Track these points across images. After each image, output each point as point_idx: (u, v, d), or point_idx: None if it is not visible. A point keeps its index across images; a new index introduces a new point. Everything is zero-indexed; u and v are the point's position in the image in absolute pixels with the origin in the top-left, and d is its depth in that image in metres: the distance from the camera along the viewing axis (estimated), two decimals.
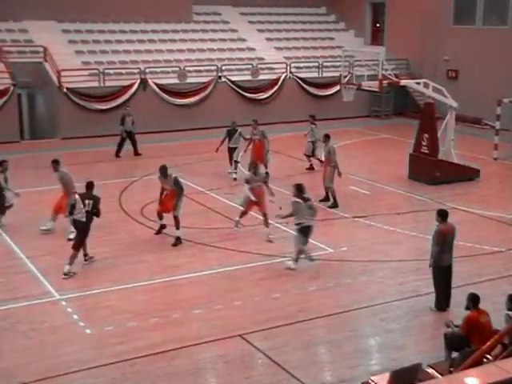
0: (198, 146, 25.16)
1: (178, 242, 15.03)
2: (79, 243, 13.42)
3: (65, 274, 13.14)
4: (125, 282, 13.06)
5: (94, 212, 13.38)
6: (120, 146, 23.42)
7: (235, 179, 20.08)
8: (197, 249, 14.89)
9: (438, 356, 9.82)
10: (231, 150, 20.66)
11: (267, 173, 20.00)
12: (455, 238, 12.04)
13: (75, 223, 13.65)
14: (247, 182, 15.86)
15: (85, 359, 10.26)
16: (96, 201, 13.41)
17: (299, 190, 13.72)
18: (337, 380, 9.83)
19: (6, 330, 11.19)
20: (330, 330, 11.34)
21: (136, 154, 23.50)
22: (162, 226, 15.60)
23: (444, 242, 11.70)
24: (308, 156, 21.57)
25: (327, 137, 18.20)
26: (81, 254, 13.62)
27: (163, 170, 15.43)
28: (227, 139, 20.67)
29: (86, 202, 13.29)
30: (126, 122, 23.34)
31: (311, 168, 21.46)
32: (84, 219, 13.26)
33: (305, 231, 13.58)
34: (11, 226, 16.21)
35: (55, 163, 15.62)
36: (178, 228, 15.05)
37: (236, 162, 20.64)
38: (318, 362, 10.51)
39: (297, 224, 13.61)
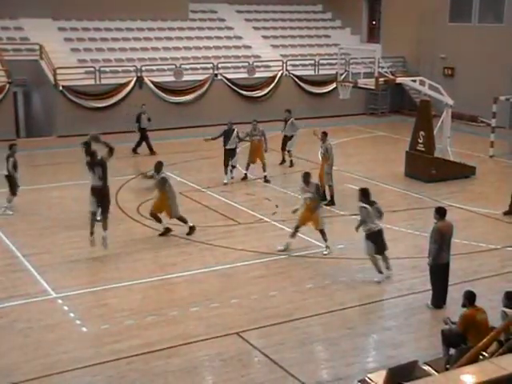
0: (194, 143, 25.12)
1: (191, 231, 15.48)
2: None
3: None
4: (121, 280, 13.06)
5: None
6: (139, 142, 23.59)
7: (225, 184, 19.60)
8: (193, 247, 14.88)
9: (434, 353, 9.84)
10: (228, 153, 19.76)
11: (266, 176, 20.01)
12: (453, 236, 12.06)
13: None
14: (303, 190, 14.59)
15: (81, 357, 10.26)
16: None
17: (365, 194, 13.13)
18: (333, 378, 9.84)
19: (2, 329, 11.18)
20: (326, 327, 11.35)
21: (152, 151, 23.55)
22: (167, 230, 15.46)
23: (442, 239, 11.71)
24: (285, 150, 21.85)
25: (325, 134, 18.08)
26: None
27: (157, 167, 15.46)
28: (223, 140, 19.82)
29: None
30: (141, 120, 23.38)
31: (283, 162, 21.93)
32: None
33: (373, 237, 12.91)
34: (8, 224, 16.19)
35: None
36: (186, 222, 15.48)
37: (233, 166, 19.94)
38: (315, 360, 10.52)
39: (366, 231, 13.03)
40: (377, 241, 12.95)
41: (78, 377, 9.82)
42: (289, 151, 21.68)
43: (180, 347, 10.58)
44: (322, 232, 14.44)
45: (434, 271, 11.94)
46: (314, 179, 15.25)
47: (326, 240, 14.43)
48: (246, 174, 20.22)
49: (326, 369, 10.19)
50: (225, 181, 19.70)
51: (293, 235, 14.48)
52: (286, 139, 21.66)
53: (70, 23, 29.54)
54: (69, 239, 15.21)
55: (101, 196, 14.16)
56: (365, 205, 12.97)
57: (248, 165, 20.24)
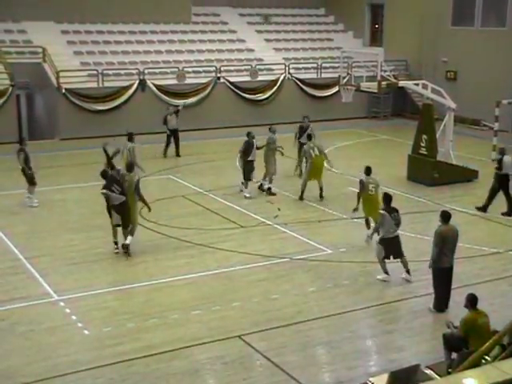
0: (197, 146, 25.16)
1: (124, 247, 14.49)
2: None
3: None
4: (123, 283, 13.06)
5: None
6: (166, 145, 23.60)
7: (247, 197, 18.52)
8: (195, 250, 14.87)
9: (436, 357, 9.81)
10: (248, 164, 18.47)
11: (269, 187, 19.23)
12: (457, 241, 12.02)
13: None
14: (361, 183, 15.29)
15: (83, 360, 10.25)
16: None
17: (388, 201, 13.19)
18: (335, 381, 9.83)
19: (4, 331, 11.17)
20: (328, 331, 11.34)
21: (177, 154, 23.62)
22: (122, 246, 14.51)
23: (443, 243, 11.69)
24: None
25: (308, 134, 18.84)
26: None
27: (129, 166, 15.02)
28: (243, 151, 18.44)
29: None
30: (168, 122, 23.41)
31: None
32: None
33: (387, 242, 12.98)
34: (10, 226, 16.19)
35: None
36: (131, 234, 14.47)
37: (249, 180, 18.70)
38: (317, 363, 10.50)
39: (380, 235, 13.13)
40: (389, 246, 12.99)
41: (79, 379, 9.81)
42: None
43: (181, 350, 10.57)
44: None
45: (436, 275, 11.92)
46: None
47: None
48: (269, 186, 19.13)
49: (328, 372, 10.17)
50: (246, 194, 18.62)
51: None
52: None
53: (73, 26, 29.56)
54: (71, 242, 15.22)
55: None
56: (383, 211, 13.04)
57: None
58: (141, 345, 10.68)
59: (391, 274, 13.53)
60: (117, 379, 9.78)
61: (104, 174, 14.43)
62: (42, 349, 10.60)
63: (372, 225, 15.09)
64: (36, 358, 10.33)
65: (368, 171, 15.48)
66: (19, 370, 9.98)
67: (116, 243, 14.43)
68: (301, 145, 19.98)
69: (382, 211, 13.10)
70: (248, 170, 18.48)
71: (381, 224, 13.08)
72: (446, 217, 11.90)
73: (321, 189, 18.43)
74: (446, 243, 11.72)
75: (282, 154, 19.42)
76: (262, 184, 19.24)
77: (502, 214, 17.39)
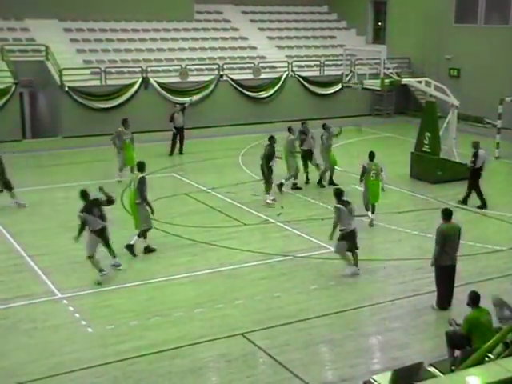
0: (200, 144, 25.16)
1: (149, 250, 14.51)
2: None
3: None
4: (126, 281, 13.07)
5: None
6: (173, 143, 23.60)
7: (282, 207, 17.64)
8: (198, 248, 14.88)
9: (440, 355, 9.81)
10: (270, 170, 17.90)
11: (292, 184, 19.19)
12: (460, 239, 12.00)
13: None
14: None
15: (86, 358, 10.27)
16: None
17: (338, 194, 13.48)
18: (338, 379, 9.83)
19: (7, 329, 11.20)
20: (331, 329, 11.34)
21: (181, 152, 23.67)
22: (148, 249, 14.55)
23: (445, 241, 11.67)
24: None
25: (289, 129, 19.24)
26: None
27: (140, 165, 14.69)
28: (266, 159, 17.84)
29: None
30: (175, 119, 23.43)
31: None
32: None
33: (348, 237, 13.21)
34: (13, 224, 16.22)
35: None
36: (139, 235, 14.41)
37: (281, 184, 18.56)
38: (320, 361, 10.50)
39: (341, 230, 13.27)
40: (350, 240, 13.25)
41: (82, 377, 9.83)
42: (317, 165, 19.89)
43: (185, 348, 10.58)
44: None
45: (438, 273, 11.91)
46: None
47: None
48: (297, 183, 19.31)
49: (331, 370, 10.18)
50: (269, 201, 17.81)
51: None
52: (309, 153, 19.71)
53: (76, 24, 29.59)
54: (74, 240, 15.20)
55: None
56: (339, 205, 13.23)
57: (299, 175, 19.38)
58: (144, 343, 10.70)
59: (395, 272, 13.55)
60: (120, 377, 9.80)
61: (84, 195, 13.37)
62: (46, 347, 10.62)
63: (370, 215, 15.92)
64: (39, 355, 10.36)
65: (371, 157, 16.38)
66: (23, 368, 10.01)
67: (101, 270, 13.17)
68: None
69: (337, 205, 13.30)
70: (270, 175, 17.86)
71: (338, 218, 13.24)
72: (447, 214, 11.88)
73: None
74: (447, 241, 11.70)
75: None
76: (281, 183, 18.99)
77: (478, 207, 17.64)
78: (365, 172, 16.23)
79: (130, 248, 14.26)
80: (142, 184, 14.20)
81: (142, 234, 14.42)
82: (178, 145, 23.71)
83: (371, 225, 16.07)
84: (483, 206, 17.63)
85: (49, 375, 9.81)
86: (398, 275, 13.48)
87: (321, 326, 11.43)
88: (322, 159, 19.67)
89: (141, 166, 14.59)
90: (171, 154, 23.56)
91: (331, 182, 19.40)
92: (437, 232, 11.80)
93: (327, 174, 19.66)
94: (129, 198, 14.91)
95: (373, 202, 16.42)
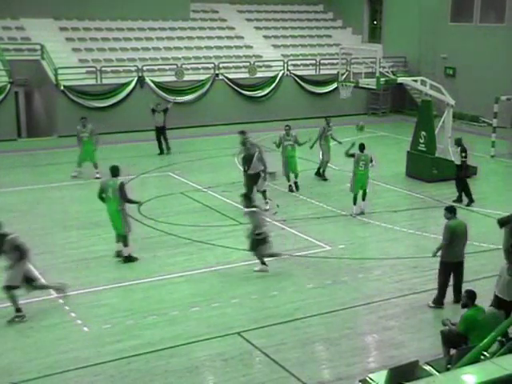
0: (196, 143, 25.16)
1: (128, 259, 13.92)
2: None
3: None
4: (122, 280, 13.06)
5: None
6: (159, 142, 23.50)
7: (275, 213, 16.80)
8: (194, 246, 14.87)
9: (436, 353, 9.84)
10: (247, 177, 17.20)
11: (291, 185, 18.98)
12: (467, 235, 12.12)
13: None
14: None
15: (82, 357, 10.25)
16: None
17: (248, 199, 13.58)
18: (335, 378, 9.84)
19: (3, 328, 11.17)
20: (327, 327, 11.34)
21: (167, 151, 23.54)
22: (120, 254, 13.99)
23: (452, 237, 11.75)
24: None
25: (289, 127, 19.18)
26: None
27: (114, 170, 13.91)
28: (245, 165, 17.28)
29: None
30: (155, 117, 23.37)
31: None
32: None
33: (266, 240, 13.31)
34: (8, 223, 16.15)
35: None
36: (125, 245, 13.95)
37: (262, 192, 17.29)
38: (316, 360, 10.50)
39: (258, 234, 13.21)
40: (266, 242, 13.29)
41: (79, 377, 9.81)
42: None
43: (181, 347, 10.57)
44: None
45: (443, 268, 11.99)
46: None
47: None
48: (291, 185, 18.98)
49: (327, 369, 10.18)
50: (266, 207, 16.87)
51: None
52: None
53: (72, 23, 29.54)
54: (69, 239, 15.23)
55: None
56: (254, 209, 13.24)
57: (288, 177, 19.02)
58: (140, 342, 10.69)
59: (391, 271, 13.57)
60: (116, 376, 9.79)
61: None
62: (42, 346, 10.61)
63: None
64: (36, 355, 10.34)
65: (361, 147, 16.86)
66: (19, 367, 9.99)
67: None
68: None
69: (252, 209, 13.25)
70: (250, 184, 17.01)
71: (255, 221, 13.23)
72: (452, 211, 12.02)
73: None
74: (455, 238, 11.79)
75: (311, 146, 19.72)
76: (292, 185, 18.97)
77: (467, 205, 17.80)
78: (353, 158, 16.89)
79: (128, 258, 13.92)
80: (122, 190, 13.65)
81: (124, 239, 13.89)
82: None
83: (361, 213, 16.79)
84: (471, 201, 17.87)
85: (45, 374, 9.79)
86: (394, 274, 13.49)
87: (317, 324, 11.44)
88: (322, 152, 20.05)
89: (115, 171, 13.85)
90: (161, 153, 23.46)
91: (318, 173, 20.18)
92: (445, 228, 11.87)
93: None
94: (108, 206, 13.89)
95: (361, 189, 16.98)
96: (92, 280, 13.07)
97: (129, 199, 13.93)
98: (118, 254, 14.07)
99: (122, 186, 13.73)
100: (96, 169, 20.00)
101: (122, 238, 13.95)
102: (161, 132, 23.46)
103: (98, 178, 18.93)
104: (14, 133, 25.70)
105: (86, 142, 20.20)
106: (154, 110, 23.34)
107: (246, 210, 13.45)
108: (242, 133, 17.70)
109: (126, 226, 13.90)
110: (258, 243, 13.32)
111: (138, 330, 11.12)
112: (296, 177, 19.11)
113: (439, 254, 12.01)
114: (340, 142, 19.83)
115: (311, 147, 19.63)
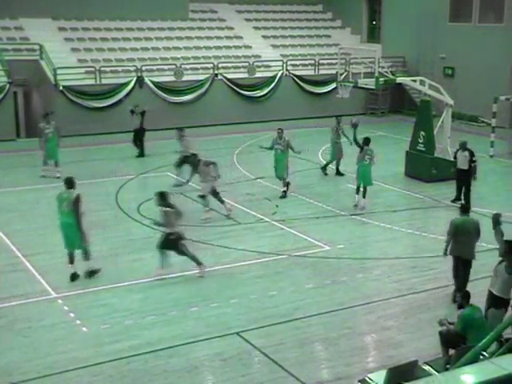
0: (194, 143, 25.09)
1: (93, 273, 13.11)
2: None
3: None
4: (121, 280, 13.05)
5: None
6: (139, 144, 23.20)
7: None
8: (193, 246, 14.83)
9: (435, 353, 9.83)
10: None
11: (284, 191, 18.44)
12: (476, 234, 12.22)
13: None
14: None
15: (81, 357, 10.25)
16: None
17: (163, 197, 13.16)
18: (333, 378, 9.84)
19: (2, 328, 11.17)
20: (326, 327, 11.35)
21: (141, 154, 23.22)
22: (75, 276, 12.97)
23: (455, 232, 11.94)
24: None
25: (282, 131, 18.56)
26: None
27: (68, 182, 13.03)
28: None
29: None
30: (132, 120, 23.04)
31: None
32: None
33: (181, 240, 13.08)
34: (8, 224, 16.18)
35: None
36: (87, 258, 13.09)
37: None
38: (315, 360, 10.51)
39: (172, 234, 12.99)
40: (178, 243, 13.07)
41: (78, 376, 9.81)
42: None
43: (180, 347, 10.57)
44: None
45: (453, 262, 12.23)
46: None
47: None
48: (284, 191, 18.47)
49: (326, 369, 10.18)
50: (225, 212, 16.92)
51: None
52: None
53: (70, 23, 29.55)
54: None
55: None
56: (167, 208, 13.02)
57: (284, 182, 18.59)
58: (139, 342, 10.69)
59: (390, 271, 13.56)
60: (115, 376, 9.79)
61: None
62: (41, 346, 10.60)
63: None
64: (35, 355, 10.34)
65: (367, 141, 17.49)
66: (18, 367, 9.98)
67: None
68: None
69: (167, 208, 12.98)
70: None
71: (167, 220, 13.02)
72: (462, 208, 12.41)
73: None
74: (458, 233, 11.95)
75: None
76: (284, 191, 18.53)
77: (452, 200, 17.90)
78: (360, 155, 17.42)
79: (92, 272, 13.08)
80: (77, 204, 12.65)
81: (85, 253, 13.04)
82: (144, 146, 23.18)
83: (359, 207, 17.22)
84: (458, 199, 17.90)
85: (44, 374, 9.79)
86: (393, 274, 13.50)
87: (316, 324, 11.44)
88: (336, 150, 20.56)
89: (70, 183, 12.96)
90: (141, 155, 22.99)
91: (338, 173, 20.68)
92: (450, 224, 12.13)
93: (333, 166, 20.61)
94: (61, 220, 12.89)
95: (365, 184, 17.34)
96: (91, 280, 13.05)
97: (80, 218, 12.71)
98: (88, 274, 13.03)
99: (77, 199, 12.68)
100: (57, 167, 19.84)
101: (83, 252, 12.99)
102: (138, 134, 23.10)
103: (58, 177, 18.56)
104: (13, 133, 25.70)
105: (50, 138, 20.12)
106: (132, 112, 23.13)
107: (160, 208, 13.10)
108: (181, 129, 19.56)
109: (84, 239, 12.89)
110: (169, 243, 13.02)
111: (137, 330, 11.12)
112: (284, 183, 18.36)
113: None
114: (351, 143, 19.31)
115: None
